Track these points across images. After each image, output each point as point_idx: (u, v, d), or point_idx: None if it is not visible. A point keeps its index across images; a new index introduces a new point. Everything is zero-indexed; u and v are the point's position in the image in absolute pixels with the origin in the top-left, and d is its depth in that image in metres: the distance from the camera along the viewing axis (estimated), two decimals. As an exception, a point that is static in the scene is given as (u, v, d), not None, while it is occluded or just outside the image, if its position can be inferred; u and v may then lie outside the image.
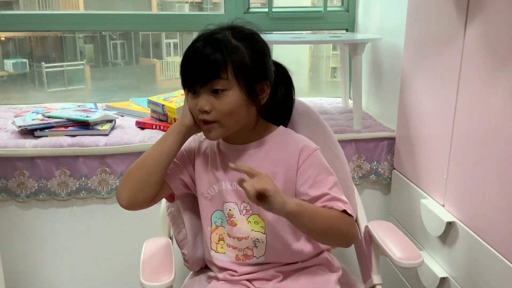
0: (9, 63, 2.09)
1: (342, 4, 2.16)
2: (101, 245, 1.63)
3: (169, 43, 2.24)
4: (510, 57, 1.03)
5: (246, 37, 0.99)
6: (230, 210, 1.08)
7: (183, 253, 1.23)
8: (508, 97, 1.04)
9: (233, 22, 1.02)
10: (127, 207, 1.02)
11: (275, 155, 1.05)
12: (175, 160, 1.07)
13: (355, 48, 1.63)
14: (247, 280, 1.07)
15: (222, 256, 1.10)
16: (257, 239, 1.07)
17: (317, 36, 1.83)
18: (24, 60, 2.09)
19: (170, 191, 1.08)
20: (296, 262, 1.09)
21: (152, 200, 1.04)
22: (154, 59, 2.22)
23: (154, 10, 2.17)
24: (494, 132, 1.09)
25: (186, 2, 2.22)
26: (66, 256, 1.64)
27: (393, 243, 1.14)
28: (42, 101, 2.02)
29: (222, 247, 1.10)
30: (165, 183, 1.06)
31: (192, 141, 1.13)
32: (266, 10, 2.06)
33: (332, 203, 1.00)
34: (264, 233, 1.06)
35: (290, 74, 1.13)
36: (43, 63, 2.10)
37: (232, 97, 0.96)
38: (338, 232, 1.00)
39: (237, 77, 0.96)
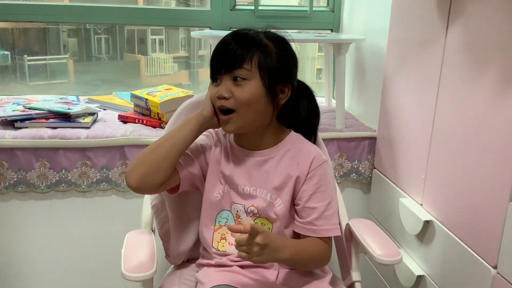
0: None
1: (328, 4, 2.18)
2: (81, 238, 1.62)
3: (155, 39, 2.23)
4: (489, 59, 1.06)
5: (277, 39, 1.05)
6: (238, 211, 1.10)
7: (165, 247, 1.23)
8: (487, 99, 1.07)
9: (267, 27, 1.06)
10: (136, 187, 1.02)
11: (287, 163, 1.09)
12: (188, 152, 1.08)
13: (338, 48, 1.65)
14: (240, 266, 1.08)
15: (222, 254, 1.12)
16: None
17: (302, 35, 1.84)
18: (6, 52, 2.06)
19: (178, 181, 1.08)
20: None
21: (161, 186, 1.04)
22: (139, 55, 2.20)
23: (140, 4, 2.16)
24: (472, 133, 1.12)
25: None
26: (46, 249, 1.62)
27: (373, 240, 1.15)
28: (24, 94, 1.99)
29: (223, 246, 1.12)
30: (176, 171, 1.06)
31: (207, 140, 1.13)
32: (252, 7, 2.07)
33: (320, 231, 1.06)
34: None
35: (312, 91, 1.18)
36: (26, 55, 2.07)
37: (251, 87, 1.00)
38: (318, 264, 1.10)
39: (260, 70, 1.00)
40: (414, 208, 1.36)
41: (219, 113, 1.03)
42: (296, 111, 1.14)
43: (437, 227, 1.27)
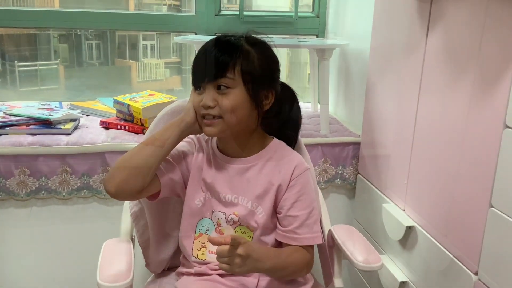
0: None
1: (313, 9, 2.18)
2: (61, 246, 1.60)
3: (146, 44, 2.22)
4: (468, 64, 1.05)
5: (258, 44, 1.04)
6: (219, 219, 1.09)
7: (145, 255, 1.21)
8: (466, 103, 1.06)
9: (247, 32, 1.05)
10: (115, 193, 1.00)
11: (269, 171, 1.08)
12: (169, 158, 1.07)
13: (322, 53, 1.65)
14: (219, 275, 1.07)
15: (202, 262, 1.10)
16: None
17: (286, 41, 1.84)
18: None
19: (158, 187, 1.06)
20: None
21: (140, 192, 1.02)
22: (130, 60, 2.19)
23: (127, 10, 2.15)
24: (452, 138, 1.12)
25: (164, 5, 2.21)
26: (25, 258, 1.59)
27: (354, 246, 1.14)
28: (14, 100, 1.96)
29: (203, 254, 1.10)
30: (156, 177, 1.04)
31: (189, 146, 1.12)
32: (238, 13, 2.06)
33: (301, 239, 1.05)
34: None
35: (297, 96, 1.17)
36: (16, 61, 2.05)
37: (236, 95, 0.99)
38: (300, 273, 1.09)
39: (243, 78, 0.99)
40: (396, 213, 1.35)
41: (201, 119, 1.03)
42: (278, 116, 1.13)
43: (419, 232, 1.27)
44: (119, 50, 2.16)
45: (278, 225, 1.08)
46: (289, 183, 1.07)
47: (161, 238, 1.21)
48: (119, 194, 1.01)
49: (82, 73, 2.15)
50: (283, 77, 2.46)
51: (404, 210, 1.35)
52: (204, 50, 1.02)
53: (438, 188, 1.18)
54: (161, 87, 2.04)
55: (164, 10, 2.21)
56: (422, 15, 1.23)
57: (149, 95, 1.76)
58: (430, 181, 1.22)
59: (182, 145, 1.11)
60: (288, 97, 1.15)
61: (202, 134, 1.09)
